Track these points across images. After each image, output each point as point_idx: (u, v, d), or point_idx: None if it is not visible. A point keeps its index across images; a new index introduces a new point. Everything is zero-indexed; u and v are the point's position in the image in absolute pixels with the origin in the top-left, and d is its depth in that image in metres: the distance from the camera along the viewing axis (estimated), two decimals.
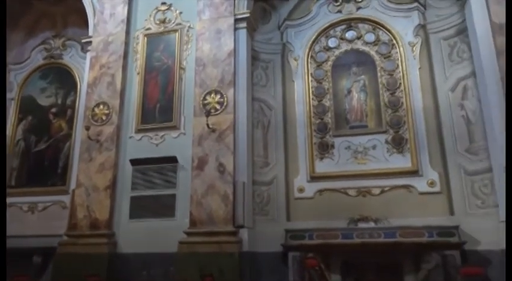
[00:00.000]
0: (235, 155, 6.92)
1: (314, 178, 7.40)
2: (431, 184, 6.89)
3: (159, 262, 6.60)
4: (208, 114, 6.94)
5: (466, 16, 7.01)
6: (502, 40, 6.17)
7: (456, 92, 7.17)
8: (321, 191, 7.34)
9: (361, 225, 6.75)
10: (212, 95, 7.26)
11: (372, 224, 6.72)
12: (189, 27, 7.92)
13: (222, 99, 7.19)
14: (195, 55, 7.61)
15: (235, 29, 7.62)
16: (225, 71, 7.36)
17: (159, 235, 6.68)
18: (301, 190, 7.43)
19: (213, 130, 7.01)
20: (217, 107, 7.18)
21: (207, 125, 6.94)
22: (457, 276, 5.96)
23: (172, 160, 7.10)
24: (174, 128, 7.37)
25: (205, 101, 7.24)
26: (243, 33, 7.68)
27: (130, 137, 7.56)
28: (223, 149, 6.93)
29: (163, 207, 6.96)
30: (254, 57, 8.05)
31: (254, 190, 7.27)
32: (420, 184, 6.93)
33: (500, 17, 6.26)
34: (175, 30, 7.96)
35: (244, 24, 7.67)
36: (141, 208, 7.06)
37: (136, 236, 6.87)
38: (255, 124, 7.72)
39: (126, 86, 7.85)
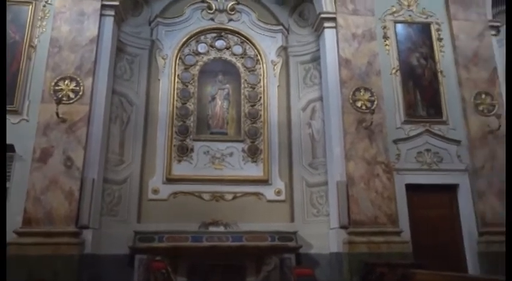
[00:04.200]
0: (87, 150, 6.41)
1: (170, 179, 7.32)
2: (278, 192, 7.52)
3: None
4: (59, 102, 6.26)
5: (320, 47, 7.91)
6: (346, 72, 7.17)
7: (306, 112, 8.02)
8: (175, 194, 7.30)
9: (212, 229, 6.95)
10: (66, 82, 6.60)
11: (222, 228, 6.97)
12: (47, 2, 7.07)
13: (77, 88, 6.59)
14: (51, 35, 6.83)
15: (102, 15, 7.11)
16: (85, 58, 6.78)
17: None
18: (155, 191, 7.26)
19: (63, 120, 6.36)
20: (71, 95, 6.55)
21: (57, 113, 6.25)
22: (291, 276, 6.60)
23: (9, 148, 6.15)
24: (15, 112, 6.43)
25: (58, 87, 6.54)
26: (109, 21, 7.20)
27: None
28: (73, 142, 6.34)
29: None
30: (120, 49, 7.61)
31: (104, 189, 6.82)
32: (269, 192, 7.50)
33: (347, 53, 7.28)
34: (28, 2, 7.01)
35: (112, 12, 7.21)
36: None
37: None
38: (112, 119, 7.27)
39: None
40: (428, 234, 6.73)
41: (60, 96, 6.40)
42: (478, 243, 6.69)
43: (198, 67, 8.07)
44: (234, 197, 7.40)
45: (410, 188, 6.84)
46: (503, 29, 8.49)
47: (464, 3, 7.82)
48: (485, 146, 7.05)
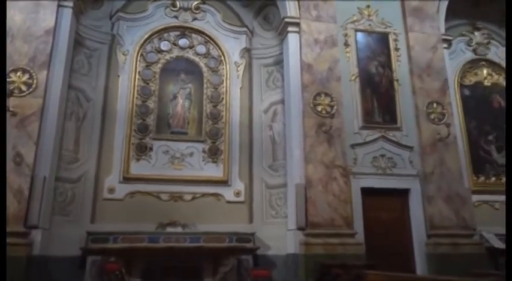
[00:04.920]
0: (38, 146, 6.14)
1: (127, 179, 7.14)
2: (238, 194, 7.53)
3: None
4: (10, 94, 5.94)
5: (283, 50, 8.02)
6: (307, 77, 7.31)
7: (268, 114, 8.10)
8: (132, 193, 7.12)
9: (169, 229, 6.84)
10: (18, 74, 6.29)
11: (179, 229, 6.89)
12: None
13: (30, 81, 6.30)
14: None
15: (59, 5, 6.85)
16: (39, 50, 6.48)
17: None
18: (111, 191, 7.04)
19: (14, 114, 6.04)
20: (23, 88, 6.25)
21: (7, 107, 5.91)
22: (247, 278, 6.63)
23: None
24: None
25: (9, 79, 6.18)
26: (67, 13, 6.93)
27: None
28: (23, 137, 6.05)
29: None
30: (78, 42, 7.34)
31: (56, 187, 6.54)
32: (228, 193, 7.49)
33: (309, 58, 7.42)
34: None
35: (70, 3, 6.95)
36: None
37: None
38: (67, 114, 6.99)
39: None
40: (380, 236, 6.98)
41: (11, 88, 6.07)
42: (426, 245, 7.03)
43: (160, 65, 7.92)
44: (193, 198, 7.33)
45: (366, 191, 7.07)
46: (454, 42, 9.03)
47: (420, 17, 8.21)
48: (435, 152, 7.43)
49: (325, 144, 7.00)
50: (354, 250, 6.48)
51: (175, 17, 8.27)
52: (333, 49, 7.58)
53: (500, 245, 7.41)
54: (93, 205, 6.92)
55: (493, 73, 9.51)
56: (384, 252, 6.78)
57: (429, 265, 6.87)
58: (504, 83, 9.49)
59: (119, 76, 7.67)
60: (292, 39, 7.66)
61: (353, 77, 7.65)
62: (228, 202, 7.46)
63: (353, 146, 7.26)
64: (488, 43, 9.70)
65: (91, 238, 6.32)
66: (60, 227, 6.39)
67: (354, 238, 6.65)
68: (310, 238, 6.53)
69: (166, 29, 8.15)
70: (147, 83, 7.75)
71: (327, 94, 7.27)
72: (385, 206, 7.23)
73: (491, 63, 9.58)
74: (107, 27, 7.91)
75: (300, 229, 6.63)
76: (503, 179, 8.79)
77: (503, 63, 9.65)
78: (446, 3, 8.53)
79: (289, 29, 7.67)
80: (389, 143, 7.42)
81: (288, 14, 7.69)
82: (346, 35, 7.87)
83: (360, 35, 7.94)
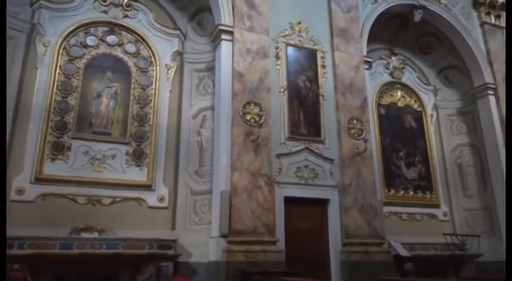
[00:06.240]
0: None
1: (40, 179, 6.60)
2: (161, 199, 7.34)
3: None
4: None
5: (216, 57, 8.02)
6: (238, 85, 7.39)
7: (197, 120, 8.03)
8: (45, 195, 6.59)
9: (84, 235, 6.43)
10: None
11: (96, 235, 6.50)
12: None
13: None
14: None
15: None
16: None
17: None
18: (20, 192, 6.44)
19: None
20: None
21: None
22: None
23: None
24: None
25: None
26: None
27: None
28: None
29: None
30: None
31: None
32: (151, 198, 7.26)
33: (241, 67, 7.52)
34: None
35: None
36: None
37: None
38: None
39: None
40: (300, 244, 7.22)
41: None
42: (341, 253, 7.42)
43: (84, 60, 7.49)
44: (113, 202, 6.98)
45: (288, 200, 7.29)
46: (374, 65, 9.80)
47: (346, 38, 8.76)
48: (353, 165, 7.91)
49: (252, 153, 7.11)
50: (274, 257, 6.62)
51: (105, 11, 7.91)
52: (264, 60, 7.76)
53: (405, 253, 8.08)
54: None
55: (406, 96, 10.47)
56: (303, 259, 7.04)
57: (343, 272, 7.26)
58: (415, 106, 10.49)
59: (36, 68, 7.11)
60: (225, 47, 7.70)
61: (282, 89, 7.89)
62: (151, 207, 7.23)
63: (279, 156, 7.46)
64: (403, 68, 10.68)
65: None
66: None
67: (275, 246, 6.80)
68: (233, 245, 6.55)
69: (94, 24, 7.75)
70: (69, 79, 7.27)
71: (256, 104, 7.41)
72: (305, 215, 7.52)
73: (404, 87, 10.54)
74: (26, 14, 7.32)
75: (223, 236, 6.63)
76: (411, 193, 9.66)
77: (415, 88, 10.67)
78: (369, 28, 9.21)
79: (223, 36, 7.71)
80: (312, 154, 7.75)
81: (223, 22, 7.74)
82: (277, 48, 8.12)
83: (290, 49, 8.24)
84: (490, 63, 10.29)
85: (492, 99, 10.02)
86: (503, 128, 9.70)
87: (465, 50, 10.38)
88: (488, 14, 10.82)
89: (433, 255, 8.63)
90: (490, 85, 10.05)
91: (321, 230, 7.61)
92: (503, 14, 10.96)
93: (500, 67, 10.26)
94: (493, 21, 10.82)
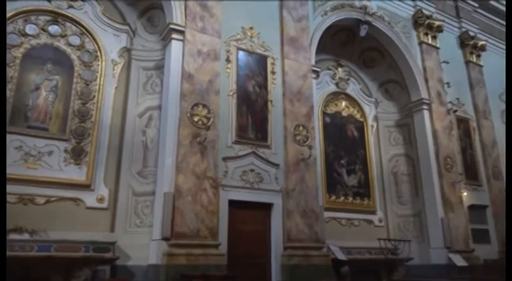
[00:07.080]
0: None
1: None
2: (101, 200, 7.04)
3: None
4: None
5: (165, 56, 7.87)
6: (187, 86, 7.30)
7: (143, 119, 7.82)
8: None
9: (13, 236, 5.97)
10: None
11: (26, 236, 6.08)
12: None
13: None
14: None
15: None
16: None
17: None
18: None
19: None
20: None
21: None
22: None
23: None
24: None
25: None
26: None
27: None
28: None
29: None
30: None
31: None
32: (89, 199, 6.94)
33: (191, 68, 7.43)
34: None
35: None
36: None
37: None
38: None
39: None
40: (243, 247, 7.25)
41: None
42: (282, 256, 7.54)
43: (22, 50, 7.02)
44: (47, 202, 6.58)
45: (233, 203, 7.30)
46: (322, 74, 10.14)
47: (295, 47, 8.97)
48: (297, 171, 8.10)
49: (198, 155, 7.04)
50: (216, 261, 6.58)
51: (48, 0, 7.48)
52: (215, 63, 7.73)
53: (342, 257, 8.39)
54: None
55: (350, 106, 10.93)
56: (244, 263, 7.07)
57: (283, 275, 7.38)
58: (358, 116, 10.97)
59: None
60: (176, 46, 7.58)
61: (231, 93, 7.91)
62: (89, 208, 6.90)
63: (225, 159, 7.45)
64: (348, 79, 11.15)
65: None
66: None
67: (217, 249, 6.77)
68: (174, 249, 6.42)
69: (35, 11, 7.29)
70: None
71: (204, 106, 7.35)
72: (249, 218, 7.57)
73: (348, 97, 10.99)
74: None
75: (164, 239, 6.48)
76: (350, 199, 10.06)
77: (358, 99, 11.17)
78: (318, 38, 9.51)
79: (174, 36, 7.59)
80: (258, 159, 7.83)
81: (174, 21, 7.62)
82: (228, 51, 8.13)
83: (241, 53, 8.29)
84: (426, 80, 11.03)
85: (426, 113, 10.74)
86: (435, 141, 10.45)
87: (404, 66, 11.05)
88: (426, 34, 11.60)
89: (368, 259, 9.06)
90: (425, 100, 10.76)
91: (264, 233, 7.69)
92: (440, 35, 11.84)
93: (435, 84, 11.06)
94: (429, 41, 11.62)
